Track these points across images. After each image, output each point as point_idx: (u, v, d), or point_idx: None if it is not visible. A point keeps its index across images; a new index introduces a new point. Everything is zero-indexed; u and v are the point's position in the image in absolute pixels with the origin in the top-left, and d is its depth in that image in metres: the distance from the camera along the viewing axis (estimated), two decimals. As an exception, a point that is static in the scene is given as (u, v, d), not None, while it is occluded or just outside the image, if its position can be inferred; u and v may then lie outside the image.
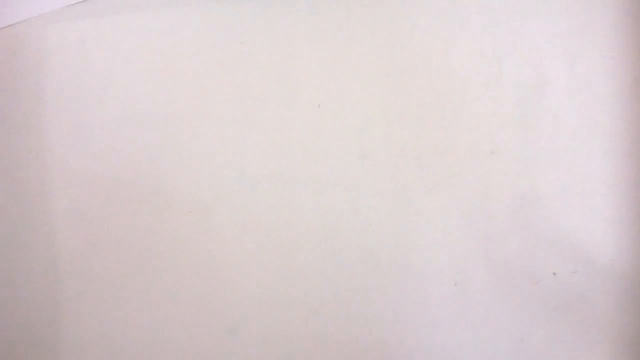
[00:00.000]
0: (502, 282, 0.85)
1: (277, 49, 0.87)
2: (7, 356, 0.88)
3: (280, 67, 0.87)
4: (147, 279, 0.90)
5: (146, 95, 0.88)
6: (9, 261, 0.86)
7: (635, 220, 0.83)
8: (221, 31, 0.87)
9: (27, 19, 0.88)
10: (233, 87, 0.87)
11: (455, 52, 0.86)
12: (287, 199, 0.88)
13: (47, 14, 0.87)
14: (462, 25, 0.86)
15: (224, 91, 0.87)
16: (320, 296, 0.88)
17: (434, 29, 0.87)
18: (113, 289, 0.90)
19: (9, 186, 0.87)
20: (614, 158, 0.84)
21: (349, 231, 0.87)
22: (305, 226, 0.88)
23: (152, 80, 0.88)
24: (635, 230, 0.83)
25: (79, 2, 0.87)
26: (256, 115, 0.87)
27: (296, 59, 0.87)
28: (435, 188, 0.86)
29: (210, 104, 0.87)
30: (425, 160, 0.86)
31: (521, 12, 0.86)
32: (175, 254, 0.90)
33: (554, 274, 0.84)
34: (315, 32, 0.87)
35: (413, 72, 0.86)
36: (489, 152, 0.86)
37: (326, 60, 0.87)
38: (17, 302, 0.92)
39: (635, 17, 0.83)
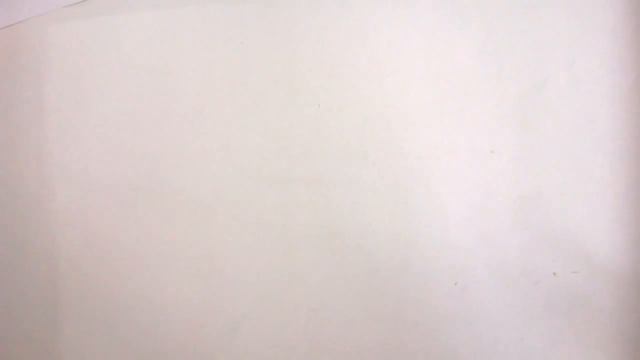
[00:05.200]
0: (502, 282, 0.85)
1: (277, 49, 0.87)
2: (7, 356, 0.88)
3: (280, 67, 0.87)
4: (147, 278, 0.90)
5: (146, 95, 0.88)
6: (9, 261, 0.86)
7: (635, 220, 0.83)
8: (221, 31, 0.87)
9: (27, 19, 0.88)
10: (233, 87, 0.87)
11: (455, 52, 0.86)
12: (287, 199, 0.88)
13: (47, 14, 0.87)
14: (462, 25, 0.86)
15: (224, 91, 0.87)
16: (320, 296, 0.88)
17: (433, 29, 0.87)
18: (113, 288, 0.90)
19: (9, 186, 0.87)
20: (614, 158, 0.84)
21: (349, 231, 0.87)
22: (305, 226, 0.88)
23: (152, 80, 0.88)
24: (635, 230, 0.83)
25: (79, 2, 0.87)
26: (256, 115, 0.87)
27: (296, 59, 0.87)
28: (435, 188, 0.86)
29: (210, 103, 0.87)
30: (425, 160, 0.86)
31: (521, 12, 0.86)
32: (175, 253, 0.90)
33: (554, 274, 0.84)
34: (316, 32, 0.87)
35: (413, 72, 0.86)
36: (489, 152, 0.86)
37: (326, 60, 0.87)
38: (17, 302, 0.92)
39: (635, 17, 0.83)
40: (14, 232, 0.87)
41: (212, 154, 0.88)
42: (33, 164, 0.87)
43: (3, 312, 0.89)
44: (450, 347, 0.86)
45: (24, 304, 0.92)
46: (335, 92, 0.87)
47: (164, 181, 0.88)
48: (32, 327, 0.90)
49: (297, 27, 0.87)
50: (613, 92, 0.84)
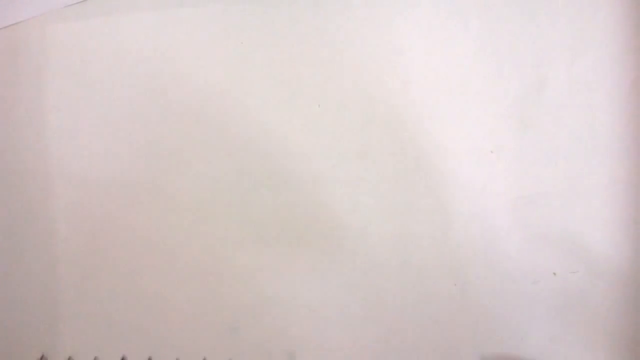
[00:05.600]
0: (501, 282, 0.85)
1: (277, 49, 0.87)
2: (7, 357, 0.88)
3: (280, 67, 0.87)
4: (148, 278, 0.90)
5: (146, 95, 0.88)
6: (8, 262, 0.86)
7: (635, 220, 0.83)
8: (221, 31, 0.87)
9: (27, 19, 0.88)
10: (233, 87, 0.87)
11: (455, 52, 0.86)
12: (286, 198, 0.88)
13: (47, 14, 0.87)
14: (462, 25, 0.86)
15: (223, 91, 0.87)
16: (320, 296, 0.88)
17: (433, 29, 0.87)
18: (113, 289, 0.90)
19: (9, 186, 0.87)
20: (614, 158, 0.84)
21: (349, 231, 0.87)
22: (304, 226, 0.88)
23: (152, 81, 0.88)
24: (635, 230, 0.83)
25: (79, 2, 0.87)
26: (256, 115, 0.87)
27: (296, 59, 0.87)
28: (435, 188, 0.86)
29: (210, 103, 0.87)
30: (425, 160, 0.86)
31: (521, 12, 0.86)
32: (175, 253, 0.90)
33: (554, 274, 0.84)
34: (316, 32, 0.87)
35: (413, 71, 0.87)
36: (489, 152, 0.86)
37: (326, 60, 0.87)
38: (16, 303, 0.91)
39: (635, 17, 0.83)
40: (13, 232, 0.87)
41: (212, 154, 0.88)
42: (33, 164, 0.87)
43: (3, 312, 0.89)
44: (450, 347, 0.86)
45: (23, 305, 0.92)
46: (335, 92, 0.87)
47: (163, 181, 0.88)
48: (32, 327, 0.90)
49: (297, 27, 0.87)
50: (613, 92, 0.84)
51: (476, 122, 0.86)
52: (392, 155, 0.86)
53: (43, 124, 0.87)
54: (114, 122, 0.88)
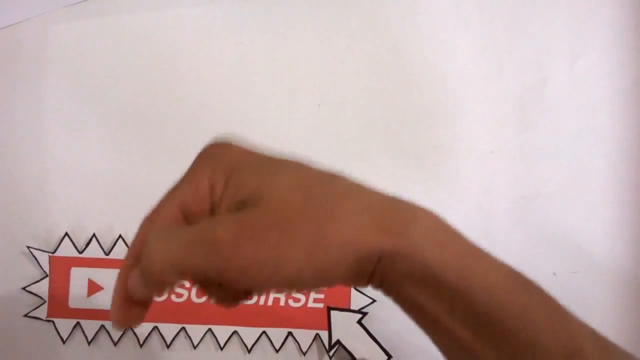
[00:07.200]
0: (502, 282, 0.85)
1: (277, 49, 0.87)
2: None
3: (280, 67, 0.87)
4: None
5: (146, 95, 0.88)
6: (7, 263, 0.86)
7: (635, 220, 0.83)
8: (221, 31, 0.87)
9: (27, 19, 0.88)
10: (233, 87, 0.87)
11: (456, 52, 0.86)
12: (287, 199, 0.88)
13: (47, 14, 0.87)
14: (462, 25, 0.86)
15: (224, 91, 0.87)
16: (320, 296, 0.88)
17: (434, 29, 0.87)
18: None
19: (9, 186, 0.87)
20: (614, 158, 0.84)
21: (349, 231, 0.87)
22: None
23: (152, 81, 0.88)
24: (635, 230, 0.83)
25: (79, 2, 0.87)
26: (256, 115, 0.87)
27: (296, 59, 0.87)
28: (435, 188, 0.86)
29: (211, 103, 0.87)
30: (425, 160, 0.86)
31: (521, 12, 0.86)
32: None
33: (554, 274, 0.84)
34: (315, 32, 0.87)
35: (413, 71, 0.87)
36: (489, 152, 0.86)
37: (326, 60, 0.87)
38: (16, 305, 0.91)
39: (636, 17, 0.84)
40: (13, 232, 0.87)
41: (212, 154, 0.88)
42: (33, 164, 0.87)
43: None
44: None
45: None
46: (335, 92, 0.87)
47: (164, 182, 0.88)
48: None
49: (297, 27, 0.87)
50: (613, 92, 0.84)
51: (476, 122, 0.86)
52: (392, 155, 0.86)
53: (43, 124, 0.87)
54: (115, 122, 0.88)
